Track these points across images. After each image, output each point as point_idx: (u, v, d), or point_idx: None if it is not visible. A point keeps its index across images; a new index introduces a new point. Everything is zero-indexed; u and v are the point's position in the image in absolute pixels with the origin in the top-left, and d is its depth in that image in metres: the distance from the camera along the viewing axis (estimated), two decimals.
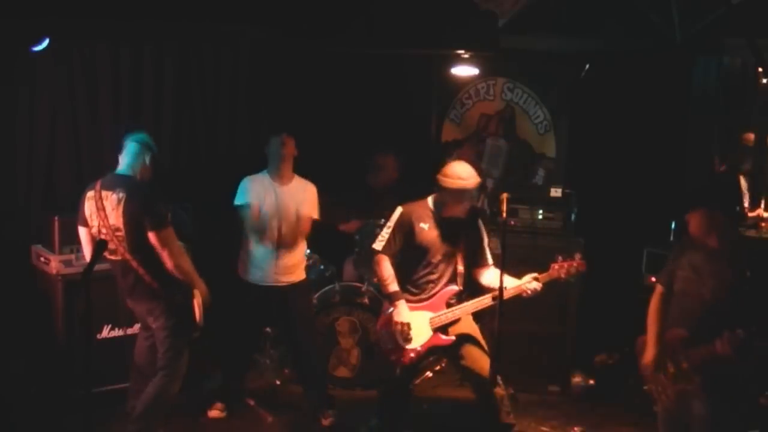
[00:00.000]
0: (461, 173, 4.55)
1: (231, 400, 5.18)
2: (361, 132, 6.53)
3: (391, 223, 4.63)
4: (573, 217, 5.67)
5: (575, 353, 5.68)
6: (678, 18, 5.50)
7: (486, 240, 4.71)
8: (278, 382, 5.65)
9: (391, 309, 4.57)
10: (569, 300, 5.63)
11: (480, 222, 4.73)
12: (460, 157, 6.68)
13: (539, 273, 4.53)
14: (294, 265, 5.13)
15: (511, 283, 4.47)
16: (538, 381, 5.62)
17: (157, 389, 4.38)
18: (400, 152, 6.33)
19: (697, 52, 5.89)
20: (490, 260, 4.71)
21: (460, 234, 4.61)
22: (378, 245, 4.62)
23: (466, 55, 6.23)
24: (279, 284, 5.08)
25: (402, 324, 4.52)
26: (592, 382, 5.72)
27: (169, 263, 4.24)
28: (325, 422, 5.07)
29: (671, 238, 5.59)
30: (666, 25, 5.56)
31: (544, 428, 5.17)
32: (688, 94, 6.04)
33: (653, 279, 5.35)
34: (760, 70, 5.83)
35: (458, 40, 6.00)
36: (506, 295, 4.33)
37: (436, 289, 4.61)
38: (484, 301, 4.54)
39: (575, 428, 5.15)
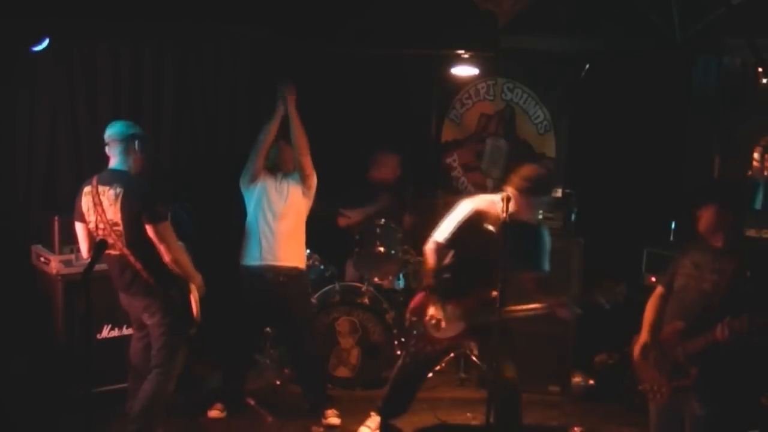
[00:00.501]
0: (542, 179, 4.46)
1: (231, 401, 5.18)
2: (361, 132, 6.54)
3: (459, 217, 4.50)
4: (573, 217, 5.67)
5: (575, 353, 5.68)
6: (678, 18, 5.50)
7: (548, 249, 4.60)
8: (278, 382, 5.65)
9: (427, 299, 4.51)
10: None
11: (545, 230, 4.63)
12: (460, 157, 6.72)
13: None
14: (292, 249, 5.12)
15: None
16: (538, 381, 5.62)
17: (153, 388, 4.38)
18: (401, 152, 6.34)
19: (697, 52, 5.89)
20: (546, 268, 4.60)
21: (524, 240, 4.44)
22: (440, 236, 4.52)
23: (466, 55, 6.23)
24: (276, 265, 5.05)
25: (434, 317, 4.46)
26: (592, 382, 5.72)
27: (167, 257, 4.24)
28: (325, 422, 5.07)
29: (671, 238, 5.59)
30: (666, 25, 5.56)
31: (544, 428, 5.16)
32: (688, 94, 6.04)
33: (653, 279, 5.38)
34: (760, 70, 5.82)
35: (458, 40, 6.01)
36: (543, 310, 4.32)
37: (481, 289, 4.43)
38: (525, 310, 4.41)
39: (575, 428, 5.15)
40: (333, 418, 5.09)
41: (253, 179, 5.11)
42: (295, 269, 5.13)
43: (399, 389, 4.82)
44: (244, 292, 5.13)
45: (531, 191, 4.40)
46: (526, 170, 4.47)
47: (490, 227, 4.44)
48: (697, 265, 3.92)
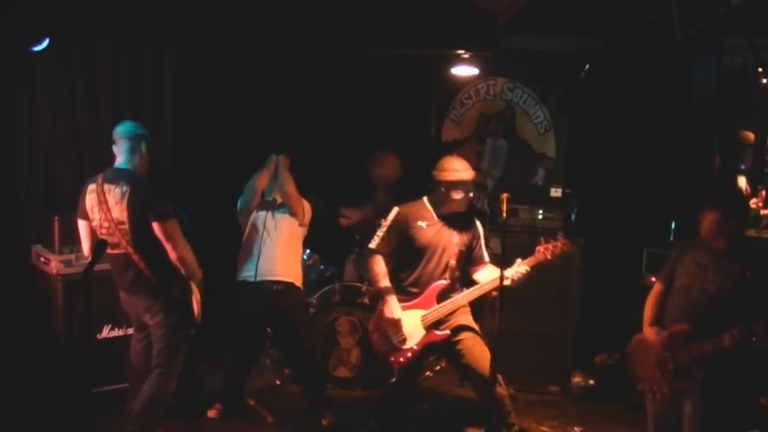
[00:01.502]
0: (455, 165, 4.60)
1: (231, 401, 5.18)
2: (361, 132, 6.54)
3: (387, 222, 4.66)
4: (573, 217, 5.67)
5: (575, 353, 5.68)
6: (678, 18, 5.49)
7: (482, 237, 4.72)
8: (278, 382, 5.66)
9: (382, 306, 4.58)
10: (569, 300, 5.63)
11: (477, 219, 4.75)
12: (459, 156, 6.70)
13: (523, 258, 4.50)
14: (288, 266, 5.15)
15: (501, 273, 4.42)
16: (538, 381, 5.62)
17: (154, 388, 4.38)
18: (401, 152, 6.33)
19: (697, 52, 5.89)
20: (486, 257, 4.72)
21: (458, 231, 4.62)
22: (372, 243, 4.65)
23: (466, 55, 6.23)
24: (272, 280, 5.07)
25: (393, 320, 4.52)
26: (592, 382, 5.72)
27: (173, 255, 4.24)
28: (325, 422, 5.07)
29: (671, 238, 5.59)
30: (666, 25, 5.55)
31: (544, 428, 5.16)
32: (688, 94, 6.04)
33: (653, 279, 5.38)
34: (760, 70, 5.83)
35: (458, 40, 6.01)
36: (493, 285, 4.39)
37: (429, 286, 4.60)
38: (474, 292, 4.56)
39: (575, 428, 5.15)
40: (333, 419, 5.09)
41: (249, 213, 5.21)
42: (292, 285, 5.16)
43: (392, 401, 4.86)
44: (240, 309, 5.14)
45: (450, 183, 4.54)
46: (442, 162, 4.63)
47: (421, 224, 4.59)
48: (699, 264, 3.92)
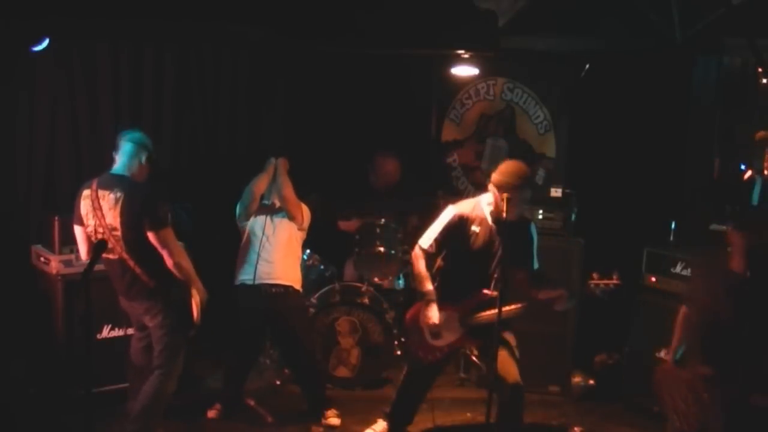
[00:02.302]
0: (519, 171, 4.37)
1: (231, 401, 5.18)
2: (361, 132, 6.54)
3: (442, 223, 4.48)
4: (573, 217, 5.67)
5: (575, 353, 5.68)
6: (678, 18, 5.50)
7: (536, 245, 4.58)
8: (278, 382, 5.65)
9: (423, 308, 4.49)
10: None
11: (533, 226, 4.61)
12: (460, 157, 6.72)
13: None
14: (287, 269, 5.15)
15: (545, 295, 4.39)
16: (538, 381, 5.61)
17: (154, 388, 4.37)
18: (401, 152, 6.33)
19: (697, 52, 5.89)
20: (536, 265, 4.58)
21: (512, 238, 4.39)
22: (424, 243, 4.49)
23: (466, 55, 6.23)
24: (270, 283, 5.08)
25: (432, 325, 4.44)
26: (592, 382, 5.72)
27: (169, 261, 4.24)
28: (325, 422, 5.07)
29: (671, 238, 5.59)
30: (666, 25, 5.56)
31: (544, 428, 5.16)
32: (688, 94, 6.04)
33: (653, 279, 5.38)
34: (760, 70, 5.82)
35: (458, 40, 6.01)
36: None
37: (474, 291, 4.44)
38: (515, 309, 4.40)
39: (575, 428, 5.15)
40: (333, 419, 5.09)
41: (248, 218, 5.20)
42: (291, 288, 5.16)
43: (405, 399, 4.81)
44: (239, 312, 5.15)
45: (515, 188, 4.31)
46: (506, 167, 4.41)
47: (476, 229, 4.43)
48: (715, 297, 3.94)
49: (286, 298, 5.12)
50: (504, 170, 4.36)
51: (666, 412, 4.15)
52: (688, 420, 3.93)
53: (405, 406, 4.82)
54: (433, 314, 4.44)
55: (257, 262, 5.06)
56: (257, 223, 5.17)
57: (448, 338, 4.53)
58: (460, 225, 4.45)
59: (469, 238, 4.43)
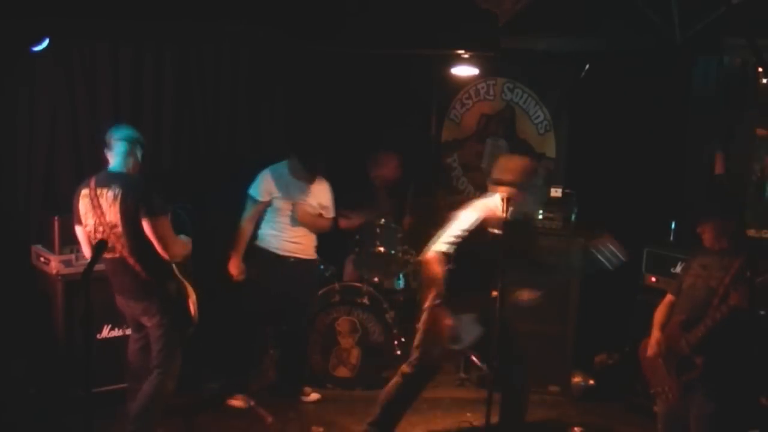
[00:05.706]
0: (526, 167, 4.37)
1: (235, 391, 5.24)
2: (361, 132, 6.54)
3: (465, 227, 4.38)
4: (573, 217, 5.67)
5: (575, 353, 5.69)
6: (678, 18, 5.50)
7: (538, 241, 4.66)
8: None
9: (439, 311, 4.39)
10: (569, 300, 5.64)
11: (535, 223, 4.65)
12: (460, 158, 6.71)
13: None
14: (306, 242, 5.36)
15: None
16: (538, 381, 5.61)
17: (154, 388, 4.37)
18: (401, 152, 6.33)
19: (697, 52, 5.89)
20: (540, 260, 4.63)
21: (521, 236, 4.39)
22: (445, 247, 4.36)
23: (466, 55, 6.23)
24: (289, 255, 5.28)
25: (452, 327, 4.37)
26: (592, 382, 5.73)
27: (164, 254, 4.23)
28: (307, 399, 5.09)
29: (671, 238, 5.59)
30: (666, 25, 5.56)
31: (544, 428, 5.17)
32: (688, 94, 6.04)
33: (653, 279, 5.39)
34: (760, 70, 5.83)
35: (458, 40, 6.01)
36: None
37: (492, 290, 4.30)
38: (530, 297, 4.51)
39: (575, 428, 5.15)
40: (314, 394, 5.21)
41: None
42: (307, 259, 5.38)
43: (406, 400, 4.73)
44: (241, 310, 5.18)
45: (522, 185, 4.31)
46: (511, 164, 4.40)
47: (495, 231, 4.35)
48: (704, 266, 4.07)
49: (301, 263, 5.35)
50: (503, 167, 4.38)
51: (650, 387, 4.23)
52: (671, 388, 4.05)
53: (396, 412, 4.74)
54: (453, 322, 4.34)
55: (280, 235, 5.27)
56: (281, 205, 5.31)
57: (468, 340, 4.45)
58: (482, 227, 4.39)
59: (488, 240, 4.34)
